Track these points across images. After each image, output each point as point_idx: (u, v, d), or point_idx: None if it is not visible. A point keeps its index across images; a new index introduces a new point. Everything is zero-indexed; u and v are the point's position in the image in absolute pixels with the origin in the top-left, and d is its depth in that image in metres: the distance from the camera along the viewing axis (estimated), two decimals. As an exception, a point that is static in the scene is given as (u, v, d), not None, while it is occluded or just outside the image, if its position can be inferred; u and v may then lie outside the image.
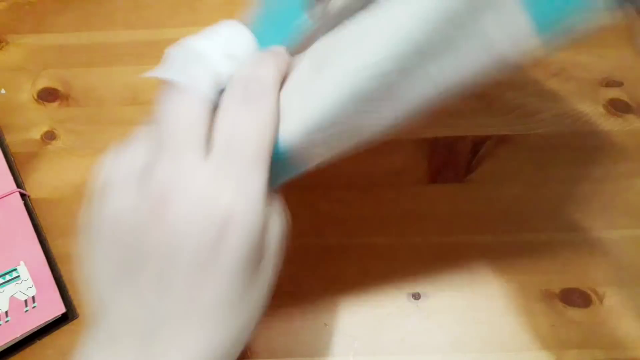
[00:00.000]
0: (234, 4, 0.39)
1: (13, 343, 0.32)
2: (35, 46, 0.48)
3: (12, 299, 0.32)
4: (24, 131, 0.44)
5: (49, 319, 0.32)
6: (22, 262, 0.33)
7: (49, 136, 0.44)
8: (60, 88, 0.46)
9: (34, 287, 0.33)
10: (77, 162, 0.42)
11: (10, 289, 0.32)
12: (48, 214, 0.40)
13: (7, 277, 0.32)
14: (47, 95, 0.46)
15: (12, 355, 0.32)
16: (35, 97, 0.46)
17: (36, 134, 0.44)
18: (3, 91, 0.46)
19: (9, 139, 0.43)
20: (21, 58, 0.47)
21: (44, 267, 0.34)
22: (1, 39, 0.48)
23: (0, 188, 0.37)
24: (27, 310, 0.32)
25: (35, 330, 0.32)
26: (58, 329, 0.34)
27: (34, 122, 0.44)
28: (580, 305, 0.35)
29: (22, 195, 0.37)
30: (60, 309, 0.33)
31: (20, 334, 0.31)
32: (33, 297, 0.33)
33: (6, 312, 0.31)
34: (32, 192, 0.41)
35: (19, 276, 0.33)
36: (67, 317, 0.34)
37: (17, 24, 0.49)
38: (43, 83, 0.46)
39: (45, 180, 0.42)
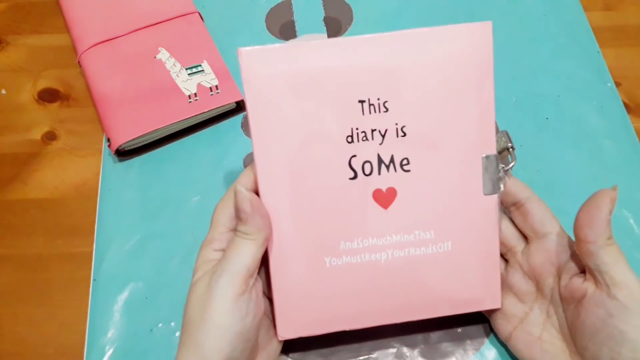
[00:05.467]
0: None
1: (199, 121, 0.43)
2: (35, 47, 0.48)
3: (199, 85, 0.43)
4: (24, 131, 0.44)
5: (229, 102, 0.43)
6: (205, 61, 0.44)
7: (50, 136, 0.44)
8: (60, 88, 0.46)
9: (216, 79, 0.43)
10: (77, 162, 0.42)
11: (197, 77, 0.43)
12: (49, 214, 0.40)
13: (194, 70, 0.43)
14: (48, 96, 0.46)
15: (198, 130, 0.43)
16: (36, 97, 0.46)
17: (37, 134, 0.44)
18: (4, 92, 0.46)
19: (9, 139, 0.44)
20: (22, 59, 0.48)
21: (223, 66, 0.44)
22: (2, 40, 0.48)
23: (181, 9, 0.47)
24: (212, 95, 0.42)
25: (217, 108, 0.43)
26: (233, 116, 0.44)
27: (34, 122, 0.44)
28: None
29: (200, 16, 0.47)
30: (238, 96, 0.43)
31: (207, 109, 0.42)
32: (216, 86, 0.43)
33: (195, 94, 0.42)
34: (33, 192, 0.41)
35: (203, 70, 0.43)
36: (240, 108, 0.44)
37: (17, 24, 0.49)
38: (43, 83, 0.46)
39: (46, 181, 0.42)
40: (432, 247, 0.31)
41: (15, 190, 0.41)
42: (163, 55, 0.44)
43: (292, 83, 0.29)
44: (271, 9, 0.49)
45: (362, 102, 0.30)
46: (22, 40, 0.49)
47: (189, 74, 0.43)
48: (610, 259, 0.27)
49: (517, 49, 0.47)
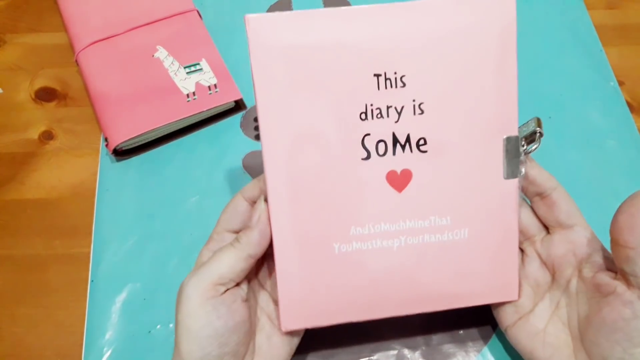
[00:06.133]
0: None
1: (198, 120, 0.42)
2: (32, 45, 0.48)
3: (198, 84, 0.42)
4: (21, 131, 0.43)
5: (227, 101, 0.42)
6: (203, 59, 0.43)
7: (47, 136, 0.43)
8: (58, 87, 0.46)
9: (214, 78, 0.43)
10: (75, 162, 0.42)
11: (195, 76, 0.43)
12: (46, 214, 0.40)
13: (192, 68, 0.43)
14: (45, 95, 0.45)
15: (197, 129, 0.43)
16: (33, 96, 0.45)
17: (34, 133, 0.43)
18: (0, 90, 0.45)
19: (6, 138, 0.43)
20: (19, 57, 0.47)
21: (222, 64, 0.44)
22: (-1, 38, 0.48)
23: (179, 6, 0.46)
24: (210, 93, 0.42)
25: (216, 107, 0.42)
26: (232, 115, 0.43)
27: (31, 121, 0.44)
28: None
29: (198, 13, 0.47)
30: (237, 95, 0.42)
31: (205, 109, 0.42)
32: (215, 85, 0.42)
33: (193, 92, 0.42)
34: (30, 192, 0.41)
35: (201, 69, 0.43)
36: (239, 107, 0.44)
37: (14, 23, 0.49)
38: (41, 82, 0.46)
39: (43, 180, 0.41)
40: (448, 234, 0.30)
41: (12, 191, 0.41)
42: (161, 53, 0.44)
43: (303, 54, 0.27)
44: (271, 6, 0.49)
45: (377, 75, 0.28)
46: (19, 38, 0.48)
47: (187, 73, 0.43)
48: None
49: (520, 47, 0.46)
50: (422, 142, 0.29)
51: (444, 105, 0.29)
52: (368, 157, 0.29)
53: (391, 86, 0.28)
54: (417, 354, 0.34)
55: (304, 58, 0.28)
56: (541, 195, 0.30)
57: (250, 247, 0.28)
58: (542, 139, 0.30)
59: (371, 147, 0.29)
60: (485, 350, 0.34)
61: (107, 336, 0.35)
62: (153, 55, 0.44)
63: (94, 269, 0.37)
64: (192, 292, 0.27)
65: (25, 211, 0.40)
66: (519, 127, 0.30)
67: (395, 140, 0.29)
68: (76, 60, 0.44)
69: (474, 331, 0.35)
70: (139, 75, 0.43)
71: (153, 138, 0.42)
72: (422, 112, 0.29)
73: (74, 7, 0.46)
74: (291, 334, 0.31)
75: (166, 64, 0.43)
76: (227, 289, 0.28)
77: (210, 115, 0.43)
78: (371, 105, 0.28)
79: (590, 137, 0.43)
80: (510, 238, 0.30)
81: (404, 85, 0.28)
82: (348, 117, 0.28)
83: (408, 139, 0.29)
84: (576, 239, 0.30)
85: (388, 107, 0.28)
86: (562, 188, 0.30)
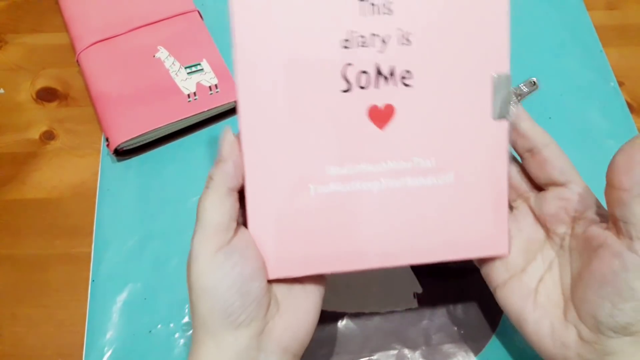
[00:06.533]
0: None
1: (199, 120, 0.42)
2: (34, 45, 0.48)
3: (199, 84, 0.42)
4: (22, 131, 0.44)
5: (228, 101, 0.42)
6: (204, 59, 0.43)
7: (48, 136, 0.43)
8: (59, 88, 0.46)
9: (215, 78, 0.43)
10: (76, 162, 0.42)
11: (196, 76, 0.43)
12: (47, 214, 0.40)
13: (193, 69, 0.43)
14: (46, 95, 0.45)
15: (198, 129, 0.43)
16: (34, 96, 0.45)
17: (35, 133, 0.43)
18: (2, 91, 0.46)
19: (7, 138, 0.43)
20: (20, 57, 0.47)
21: (222, 65, 0.44)
22: (0, 38, 0.48)
23: (180, 7, 0.46)
24: (211, 94, 0.42)
25: (217, 108, 0.42)
26: (233, 115, 0.43)
27: (32, 122, 0.44)
28: None
29: (199, 14, 0.47)
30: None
31: (206, 109, 0.42)
32: (216, 85, 0.43)
33: (194, 93, 0.42)
34: (31, 192, 0.41)
35: (202, 69, 0.43)
36: None
37: (16, 23, 0.49)
38: (42, 83, 0.46)
39: (44, 180, 0.41)
40: (432, 178, 0.28)
41: (13, 190, 0.41)
42: (162, 54, 0.44)
43: None
44: None
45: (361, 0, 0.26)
46: (20, 39, 0.48)
47: (188, 73, 0.43)
48: None
49: (519, 48, 0.47)
50: (407, 75, 0.27)
51: (431, 37, 0.27)
52: (348, 89, 0.27)
53: (377, 12, 0.26)
54: (417, 354, 0.34)
55: None
56: (532, 151, 0.29)
57: (227, 180, 0.26)
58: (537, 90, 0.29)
59: (352, 78, 0.27)
60: (485, 350, 0.34)
61: (108, 336, 0.35)
62: (154, 56, 0.44)
63: (95, 268, 0.37)
64: (198, 251, 0.26)
65: (26, 211, 0.40)
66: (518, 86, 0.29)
67: (378, 72, 0.27)
68: (77, 61, 0.44)
69: (474, 331, 0.35)
70: (140, 76, 0.43)
71: (154, 138, 0.42)
72: (409, 42, 0.27)
73: (75, 8, 0.46)
74: (311, 281, 0.29)
75: (167, 64, 0.43)
76: (234, 234, 0.27)
77: (211, 115, 0.43)
78: (354, 32, 0.26)
79: (590, 137, 0.43)
80: (499, 186, 0.28)
81: (390, 12, 0.26)
82: (328, 43, 0.26)
83: (392, 71, 0.27)
84: (570, 196, 0.28)
85: (372, 35, 0.26)
86: (555, 144, 0.29)
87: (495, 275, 0.30)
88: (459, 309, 0.36)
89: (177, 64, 0.43)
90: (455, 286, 0.33)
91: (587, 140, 0.42)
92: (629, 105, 0.44)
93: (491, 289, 0.30)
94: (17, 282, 0.37)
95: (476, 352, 0.34)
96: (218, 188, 0.26)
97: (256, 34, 0.26)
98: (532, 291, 0.28)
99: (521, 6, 0.49)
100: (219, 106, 0.42)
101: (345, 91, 0.27)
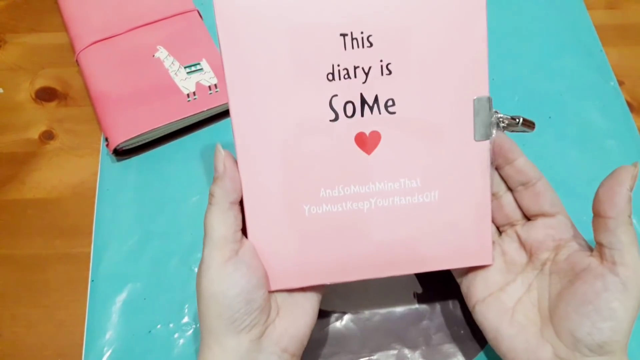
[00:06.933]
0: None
1: (198, 120, 0.42)
2: (33, 45, 0.48)
3: (198, 84, 0.42)
4: (22, 131, 0.43)
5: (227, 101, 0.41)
6: (204, 59, 0.43)
7: (47, 136, 0.43)
8: (58, 87, 0.46)
9: (215, 78, 0.43)
10: (75, 162, 0.42)
11: (196, 76, 0.43)
12: (46, 214, 0.40)
13: (193, 68, 0.43)
14: (45, 95, 0.45)
15: (198, 129, 0.43)
16: (34, 96, 0.45)
17: (34, 133, 0.43)
18: (1, 90, 0.46)
19: (6, 138, 0.43)
20: (19, 57, 0.47)
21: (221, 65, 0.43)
22: (-1, 38, 0.48)
23: (180, 6, 0.46)
24: (210, 93, 0.42)
25: (216, 107, 0.42)
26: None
27: (32, 121, 0.44)
28: None
29: (199, 13, 0.47)
30: None
31: (206, 108, 0.42)
32: (215, 85, 0.43)
33: (194, 92, 0.42)
34: (31, 192, 0.41)
35: (202, 69, 0.43)
36: None
37: (15, 23, 0.49)
38: (41, 82, 0.46)
39: (44, 180, 0.41)
40: (418, 197, 0.30)
41: (13, 190, 0.41)
42: (161, 53, 0.44)
43: (267, 13, 0.27)
44: None
45: (344, 35, 0.28)
46: (19, 38, 0.48)
47: (187, 73, 0.43)
48: (626, 239, 0.26)
49: (520, 47, 0.47)
50: (390, 103, 0.29)
51: (412, 65, 0.28)
52: (336, 118, 0.29)
53: (358, 46, 0.28)
54: (417, 354, 0.34)
55: (269, 17, 0.27)
56: (526, 184, 0.30)
57: (227, 196, 0.28)
58: (525, 127, 0.30)
59: (339, 108, 0.29)
60: (485, 350, 0.34)
61: (107, 336, 0.35)
62: (153, 55, 0.44)
63: (94, 268, 0.37)
64: (209, 263, 0.28)
65: (25, 211, 0.40)
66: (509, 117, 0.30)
67: (363, 102, 0.29)
68: (77, 60, 0.44)
69: (474, 331, 0.35)
70: (140, 75, 0.43)
71: (153, 138, 0.42)
72: (390, 72, 0.28)
73: (74, 7, 0.46)
74: (311, 287, 0.31)
75: (166, 63, 0.43)
76: (240, 244, 0.28)
77: (210, 115, 0.43)
78: (338, 65, 0.28)
79: (590, 136, 0.43)
80: (482, 202, 0.30)
81: (371, 45, 0.28)
82: (316, 78, 0.28)
83: (376, 100, 0.29)
84: (557, 226, 0.30)
85: (355, 68, 0.28)
86: (545, 178, 0.31)
87: (476, 292, 0.31)
88: (459, 309, 0.36)
89: (177, 64, 0.43)
90: (455, 286, 0.33)
91: (587, 139, 0.42)
92: (629, 105, 0.44)
93: (470, 307, 0.32)
94: (17, 282, 0.37)
95: (476, 352, 0.34)
96: (220, 204, 0.28)
97: (245, 67, 0.28)
98: (509, 309, 0.30)
99: (521, 6, 0.49)
100: (218, 106, 0.42)
101: (333, 120, 0.29)
